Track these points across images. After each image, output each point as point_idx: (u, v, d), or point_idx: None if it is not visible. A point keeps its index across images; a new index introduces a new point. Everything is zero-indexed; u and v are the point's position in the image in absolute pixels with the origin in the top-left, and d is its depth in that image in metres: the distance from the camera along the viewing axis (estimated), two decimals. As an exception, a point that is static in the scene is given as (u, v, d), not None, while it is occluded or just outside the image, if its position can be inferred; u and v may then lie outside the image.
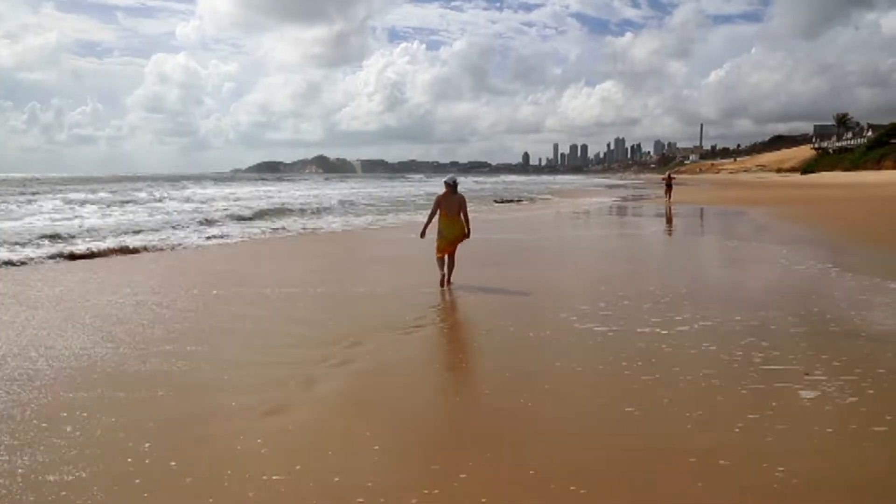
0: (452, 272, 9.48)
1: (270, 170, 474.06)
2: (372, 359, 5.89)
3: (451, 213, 9.36)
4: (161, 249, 14.54)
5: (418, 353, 6.32)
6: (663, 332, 6.74)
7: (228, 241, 16.60)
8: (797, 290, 9.27)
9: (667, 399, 4.83)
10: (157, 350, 6.21)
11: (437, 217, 9.49)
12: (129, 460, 3.82)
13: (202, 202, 32.87)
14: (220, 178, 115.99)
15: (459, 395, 5.27)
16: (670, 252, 15.07)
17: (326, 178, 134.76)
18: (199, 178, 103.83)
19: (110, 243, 14.67)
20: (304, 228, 20.40)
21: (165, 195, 39.96)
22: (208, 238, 16.78)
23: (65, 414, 4.56)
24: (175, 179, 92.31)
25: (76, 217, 22.28)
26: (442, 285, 9.25)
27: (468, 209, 9.63)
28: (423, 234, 9.75)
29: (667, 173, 44.11)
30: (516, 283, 9.96)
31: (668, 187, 35.54)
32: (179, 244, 15.46)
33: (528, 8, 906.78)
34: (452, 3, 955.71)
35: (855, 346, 6.15)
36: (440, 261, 9.40)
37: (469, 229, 9.59)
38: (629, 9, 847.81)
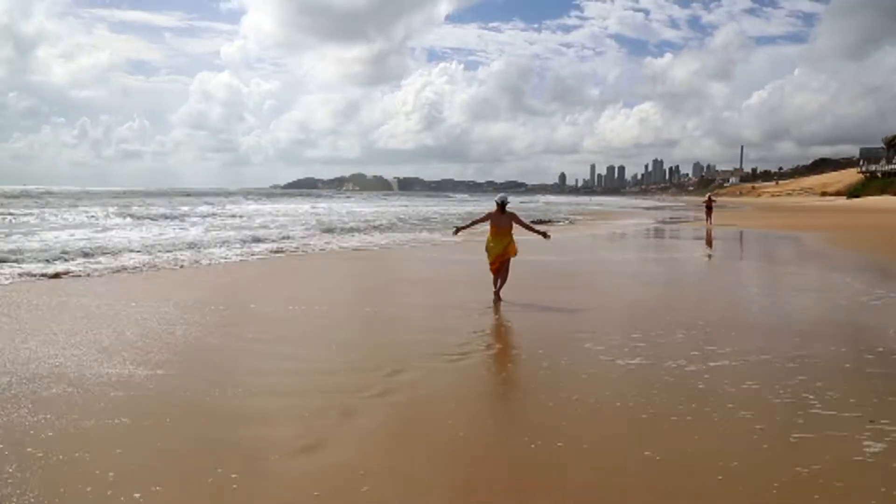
0: (503, 286, 9.88)
1: (308, 186, 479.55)
2: (414, 391, 5.58)
3: (500, 230, 9.81)
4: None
5: (463, 386, 5.88)
6: (699, 366, 6.22)
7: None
8: (859, 323, 8.64)
9: (694, 445, 4.33)
10: (179, 370, 6.07)
11: (487, 234, 10.00)
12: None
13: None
14: (259, 194, 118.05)
15: (503, 434, 4.70)
16: (711, 278, 14.44)
17: (365, 197, 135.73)
18: (245, 194, 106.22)
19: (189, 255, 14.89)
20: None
21: (224, 210, 42.21)
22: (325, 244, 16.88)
23: (39, 454, 4.10)
24: (217, 194, 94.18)
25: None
26: (495, 301, 9.69)
27: (522, 218, 10.29)
28: (456, 232, 10.84)
29: (707, 195, 43.55)
30: (560, 306, 9.71)
31: (709, 209, 35.12)
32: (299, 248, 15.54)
33: (567, 29, 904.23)
34: (491, 25, 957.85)
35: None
36: (494, 278, 9.91)
37: (544, 233, 10.51)
38: (668, 30, 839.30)
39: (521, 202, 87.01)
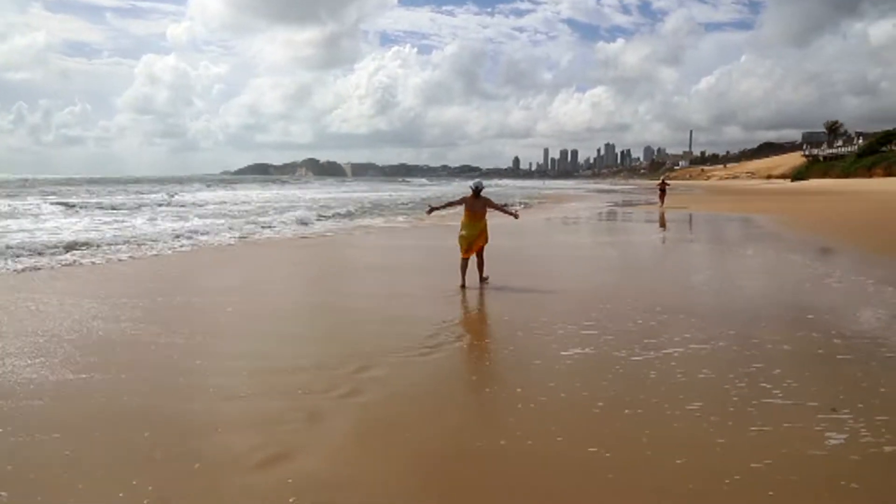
0: (484, 268, 10.06)
1: (261, 172, 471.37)
2: (383, 388, 5.15)
3: (474, 213, 9.98)
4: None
5: (435, 381, 5.50)
6: (652, 355, 5.98)
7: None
8: (815, 307, 8.31)
9: (645, 439, 4.08)
10: (115, 374, 5.45)
11: (461, 218, 10.15)
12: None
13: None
14: (210, 180, 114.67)
15: (481, 439, 4.26)
16: (667, 262, 14.02)
17: (322, 181, 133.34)
18: (197, 180, 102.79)
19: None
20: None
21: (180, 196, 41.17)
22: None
23: None
24: (167, 182, 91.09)
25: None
26: (463, 288, 9.66)
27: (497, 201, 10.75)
28: (429, 212, 10.95)
29: (661, 179, 43.72)
30: (526, 288, 9.63)
31: (662, 192, 35.60)
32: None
33: (520, 13, 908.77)
34: (444, 8, 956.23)
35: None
36: (464, 262, 9.86)
37: (514, 213, 11.02)
38: (620, 15, 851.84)
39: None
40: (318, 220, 24.72)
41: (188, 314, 8.08)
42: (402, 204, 39.73)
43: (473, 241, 9.89)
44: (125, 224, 20.88)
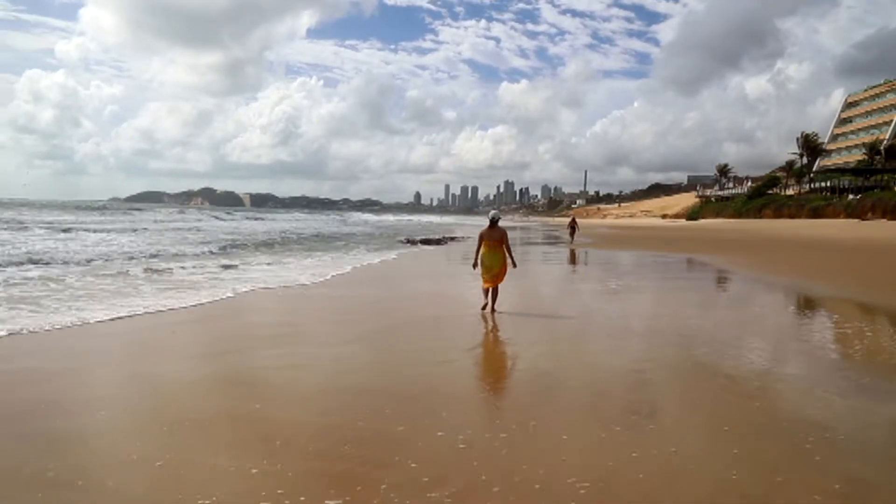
0: (496, 300, 10.48)
1: (152, 200, 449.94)
2: None
3: (492, 243, 10.59)
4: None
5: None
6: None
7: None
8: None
9: None
10: None
11: (481, 249, 10.63)
12: None
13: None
14: (91, 207, 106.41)
15: None
16: (591, 306, 13.01)
17: (217, 214, 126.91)
18: (73, 206, 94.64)
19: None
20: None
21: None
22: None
23: None
24: (42, 206, 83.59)
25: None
26: (483, 309, 10.42)
27: (508, 240, 10.72)
28: (475, 266, 10.71)
29: (572, 217, 46.33)
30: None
31: (572, 230, 37.75)
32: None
33: (422, 52, 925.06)
34: (348, 42, 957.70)
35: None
36: (486, 290, 10.51)
37: (513, 260, 10.76)
38: (518, 58, 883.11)
39: (378, 219, 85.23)
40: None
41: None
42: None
43: (495, 273, 10.45)
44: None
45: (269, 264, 18.77)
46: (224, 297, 11.95)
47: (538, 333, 9.02)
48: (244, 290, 12.87)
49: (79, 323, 8.85)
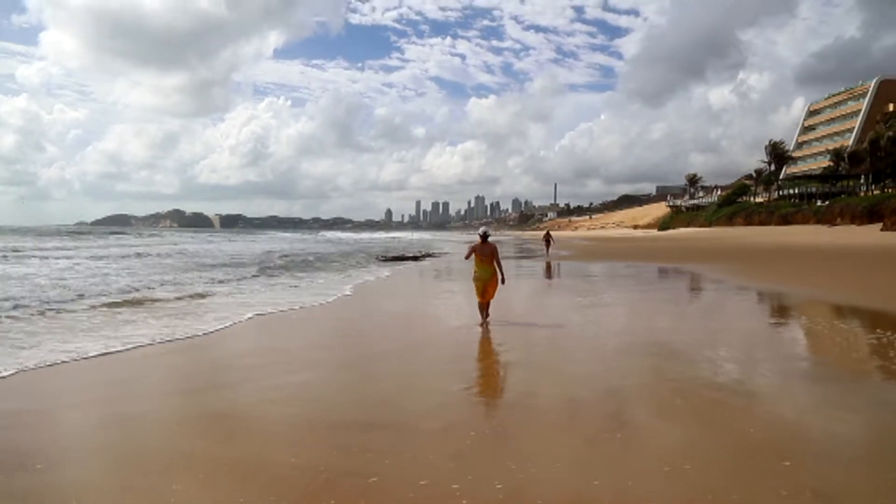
0: (488, 309, 10.87)
1: (120, 223, 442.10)
2: None
3: (483, 258, 10.85)
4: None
5: None
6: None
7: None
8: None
9: None
10: None
11: (472, 263, 11.11)
12: None
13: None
14: (60, 232, 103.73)
15: None
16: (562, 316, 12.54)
17: (187, 234, 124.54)
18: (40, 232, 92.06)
19: None
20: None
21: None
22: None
23: None
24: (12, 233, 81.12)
25: None
26: (482, 325, 10.60)
27: (499, 255, 10.95)
28: (466, 258, 11.39)
29: (546, 231, 47.78)
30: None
31: (548, 243, 38.92)
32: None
33: (389, 69, 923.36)
34: (314, 62, 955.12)
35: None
36: (480, 306, 10.86)
37: (503, 275, 10.95)
38: (484, 74, 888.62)
39: (355, 237, 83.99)
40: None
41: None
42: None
43: (487, 287, 10.77)
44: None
45: (262, 289, 17.51)
46: (242, 319, 11.49)
47: (553, 353, 8.40)
48: (268, 310, 12.38)
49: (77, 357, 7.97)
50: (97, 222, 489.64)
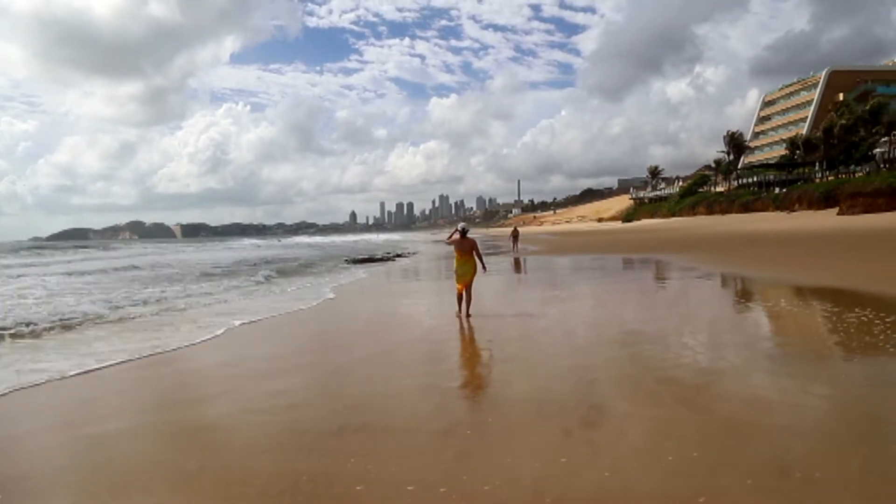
0: (470, 305, 11.38)
1: (77, 237, 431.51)
2: None
3: (463, 252, 11.55)
4: None
5: None
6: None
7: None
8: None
9: None
10: None
11: (454, 258, 11.75)
12: None
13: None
14: (17, 249, 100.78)
15: None
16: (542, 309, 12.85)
17: (145, 245, 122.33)
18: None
19: None
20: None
21: None
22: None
23: None
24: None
25: None
26: (458, 316, 11.29)
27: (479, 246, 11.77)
28: (448, 242, 12.05)
29: (514, 227, 47.49)
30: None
31: (515, 239, 39.37)
32: None
33: (348, 72, 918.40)
34: (271, 66, 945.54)
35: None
36: (459, 296, 11.50)
37: (484, 264, 11.82)
38: (444, 74, 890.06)
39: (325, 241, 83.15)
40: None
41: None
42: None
43: (467, 280, 11.39)
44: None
45: (242, 297, 17.31)
46: (232, 326, 11.31)
47: (543, 348, 8.59)
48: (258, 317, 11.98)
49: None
50: (53, 237, 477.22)
